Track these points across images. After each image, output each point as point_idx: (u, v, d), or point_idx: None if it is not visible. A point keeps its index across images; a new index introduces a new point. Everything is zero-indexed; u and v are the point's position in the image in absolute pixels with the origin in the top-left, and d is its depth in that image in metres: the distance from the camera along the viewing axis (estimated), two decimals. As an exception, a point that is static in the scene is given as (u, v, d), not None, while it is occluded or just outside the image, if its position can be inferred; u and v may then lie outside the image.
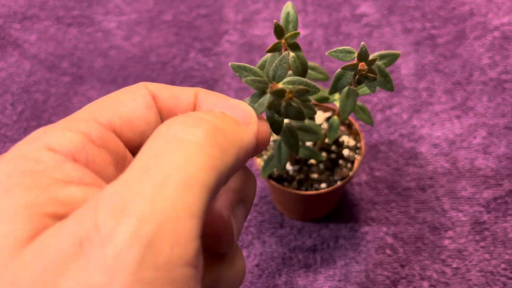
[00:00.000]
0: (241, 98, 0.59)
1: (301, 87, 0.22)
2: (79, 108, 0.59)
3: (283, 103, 0.23)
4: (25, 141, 0.18)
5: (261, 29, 0.66)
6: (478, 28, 0.63)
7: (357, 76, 0.27)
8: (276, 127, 0.27)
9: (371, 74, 0.27)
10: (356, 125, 0.45)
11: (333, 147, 0.46)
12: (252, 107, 0.24)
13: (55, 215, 0.16)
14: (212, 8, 0.69)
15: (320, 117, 0.47)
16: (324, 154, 0.46)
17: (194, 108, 0.22)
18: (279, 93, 0.23)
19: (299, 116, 0.25)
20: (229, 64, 0.26)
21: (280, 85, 0.25)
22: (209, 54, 0.64)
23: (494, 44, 0.62)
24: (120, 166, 0.20)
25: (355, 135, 0.46)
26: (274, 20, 0.28)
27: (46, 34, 0.67)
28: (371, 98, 0.58)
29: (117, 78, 0.62)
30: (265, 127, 0.22)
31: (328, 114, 0.47)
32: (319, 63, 0.62)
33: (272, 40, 0.65)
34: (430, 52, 0.62)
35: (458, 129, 0.56)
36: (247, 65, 0.25)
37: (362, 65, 0.28)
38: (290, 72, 0.34)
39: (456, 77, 0.60)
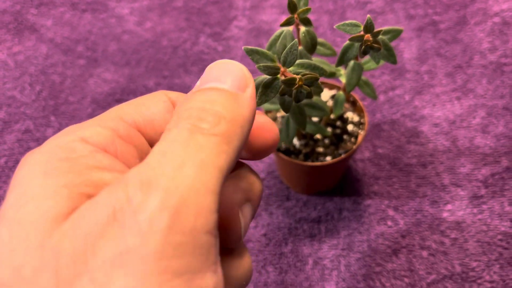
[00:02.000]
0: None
1: (310, 75, 0.25)
2: (95, 88, 0.62)
3: (294, 90, 0.25)
4: (61, 134, 0.20)
5: (268, 15, 0.69)
6: (478, 14, 0.66)
7: (363, 47, 0.30)
8: (286, 106, 0.29)
9: (376, 44, 0.29)
10: (360, 102, 0.48)
11: (338, 123, 0.48)
12: (265, 92, 0.26)
13: (90, 195, 0.18)
14: (222, -5, 0.71)
15: (326, 94, 0.49)
16: (329, 129, 0.48)
17: None
18: (290, 82, 0.25)
19: (296, 118, 0.28)
20: (243, 47, 0.28)
21: (290, 73, 0.27)
22: (218, 39, 0.67)
23: (494, 30, 0.64)
24: (143, 159, 0.21)
25: (359, 111, 0.48)
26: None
27: (62, 19, 0.70)
28: (375, 80, 0.61)
29: (130, 61, 0.65)
30: (274, 131, 0.23)
31: (333, 92, 0.49)
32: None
33: (279, 25, 0.67)
34: (432, 37, 0.64)
35: (458, 110, 0.58)
36: (259, 48, 0.28)
37: (368, 37, 0.30)
38: (300, 47, 0.37)
39: (456, 61, 0.62)
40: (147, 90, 0.61)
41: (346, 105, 0.49)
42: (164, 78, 0.63)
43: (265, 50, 0.31)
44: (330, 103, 0.49)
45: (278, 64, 0.30)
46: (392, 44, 0.64)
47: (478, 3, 0.67)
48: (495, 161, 0.54)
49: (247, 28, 0.68)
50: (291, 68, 0.28)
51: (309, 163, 0.44)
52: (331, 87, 0.49)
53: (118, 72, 0.64)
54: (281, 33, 0.34)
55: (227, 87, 0.20)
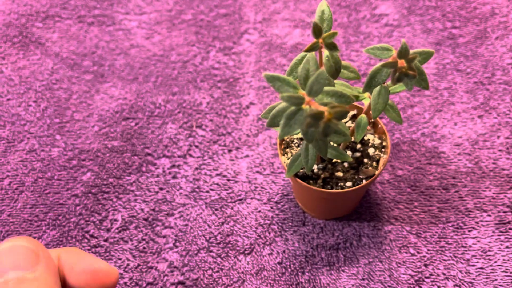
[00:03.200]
0: (261, 97, 0.59)
1: (340, 109, 0.22)
2: (101, 105, 0.60)
3: (322, 124, 0.23)
4: None
5: (280, 28, 0.67)
6: (500, 28, 0.63)
7: (397, 74, 0.27)
8: (309, 137, 0.27)
9: (411, 72, 0.27)
10: (382, 124, 0.45)
11: (359, 146, 0.46)
12: (287, 123, 0.24)
13: None
14: (232, 8, 0.69)
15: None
16: (349, 152, 0.46)
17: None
18: (318, 116, 0.23)
19: (317, 146, 0.25)
20: (263, 74, 0.26)
21: (316, 103, 0.24)
22: (229, 53, 0.64)
23: (516, 44, 0.61)
24: None
25: (380, 133, 0.46)
26: (313, 20, 0.28)
27: (68, 33, 0.68)
28: (393, 97, 0.58)
29: (138, 76, 0.63)
30: (113, 277, 0.26)
31: (353, 112, 0.47)
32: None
33: (291, 39, 0.65)
34: (451, 52, 0.62)
35: (481, 129, 0.55)
36: (281, 75, 0.26)
37: (402, 63, 0.28)
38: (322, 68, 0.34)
39: (478, 77, 0.59)
40: (156, 108, 0.59)
41: (367, 127, 0.47)
42: (173, 95, 0.60)
43: (287, 77, 0.29)
44: (349, 123, 0.47)
45: (302, 93, 0.28)
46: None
47: (499, 17, 0.64)
48: (522, 184, 0.51)
49: (258, 42, 0.65)
50: (317, 104, 0.26)
51: (328, 190, 0.42)
52: (350, 107, 0.47)
53: (125, 88, 0.61)
54: (303, 56, 0.32)
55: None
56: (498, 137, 0.55)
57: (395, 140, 0.55)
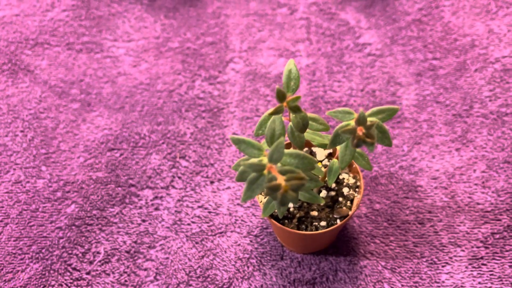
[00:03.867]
0: (245, 128, 0.60)
1: (296, 182, 0.24)
2: (87, 135, 0.61)
3: (279, 195, 0.24)
4: None
5: (265, 57, 0.68)
6: (479, 60, 0.64)
7: (355, 140, 0.29)
8: (275, 197, 0.28)
9: (369, 139, 0.28)
10: (356, 164, 0.46)
11: (333, 185, 0.47)
12: (250, 188, 0.25)
13: None
14: (218, 36, 0.70)
15: (321, 153, 0.48)
16: (323, 191, 0.47)
17: None
18: (275, 188, 0.24)
19: (310, 182, 0.26)
20: (229, 136, 0.27)
21: (275, 170, 0.26)
22: (214, 82, 0.65)
23: (495, 77, 0.63)
24: None
25: (355, 173, 0.47)
26: (276, 86, 0.30)
27: (57, 60, 0.69)
28: (373, 129, 0.60)
29: (124, 105, 0.64)
30: None
31: (329, 150, 0.48)
32: (322, 91, 0.64)
33: (276, 69, 0.66)
34: (431, 84, 0.63)
35: (458, 162, 0.56)
36: (246, 138, 0.27)
37: (361, 129, 0.29)
38: (290, 123, 0.35)
39: (456, 109, 0.61)
40: (140, 138, 0.60)
41: (342, 166, 0.48)
42: (158, 125, 0.62)
43: (251, 140, 0.30)
44: (326, 161, 0.48)
45: (265, 159, 0.29)
46: (390, 89, 0.63)
47: (478, 49, 0.65)
48: (496, 219, 0.52)
49: (243, 71, 0.66)
50: (276, 171, 0.27)
51: (303, 232, 0.43)
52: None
53: (111, 117, 0.63)
54: (265, 117, 0.33)
55: None
56: (474, 170, 0.56)
57: (374, 173, 0.56)
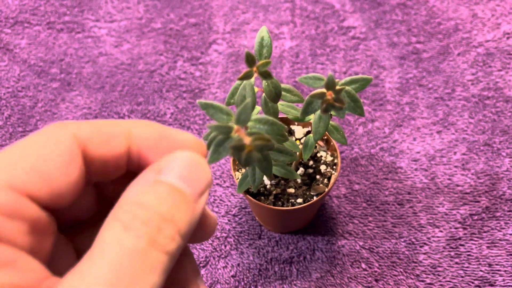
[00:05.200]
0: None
1: (261, 142, 0.23)
2: (66, 114, 0.60)
3: (243, 155, 0.24)
4: None
5: (249, 39, 0.67)
6: (462, 44, 0.64)
7: (323, 105, 0.28)
8: (243, 162, 0.28)
9: (337, 103, 0.28)
10: (334, 142, 0.46)
11: (311, 162, 0.47)
12: (216, 150, 0.25)
13: None
14: (201, 17, 0.69)
15: (300, 132, 0.47)
16: (301, 169, 0.46)
17: (127, 151, 0.21)
18: (239, 148, 0.24)
19: (260, 166, 0.26)
20: (197, 101, 0.27)
21: (243, 133, 0.25)
22: (196, 63, 0.65)
23: (478, 61, 0.62)
24: (35, 230, 0.18)
25: (332, 151, 0.47)
26: (246, 50, 0.29)
27: (37, 39, 0.68)
28: (354, 111, 0.59)
29: (104, 85, 0.63)
30: (214, 220, 0.23)
31: (308, 128, 0.48)
32: (305, 74, 0.63)
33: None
34: (414, 67, 0.63)
35: (439, 145, 0.56)
36: (214, 102, 0.26)
37: (330, 94, 0.28)
38: (263, 95, 0.35)
39: (439, 93, 0.60)
40: (119, 118, 0.60)
41: (320, 143, 0.48)
42: (137, 105, 0.61)
43: (220, 105, 0.29)
44: (304, 139, 0.47)
45: (232, 123, 0.29)
46: (374, 72, 0.63)
47: (462, 33, 0.65)
48: (475, 201, 0.52)
49: (226, 52, 0.66)
50: (248, 124, 0.26)
51: (278, 208, 0.43)
52: (304, 124, 0.48)
53: (91, 97, 0.62)
54: (241, 83, 0.32)
55: (190, 194, 0.19)
56: (455, 153, 0.56)
57: (354, 155, 0.56)
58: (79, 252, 0.22)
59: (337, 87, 0.28)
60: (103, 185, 0.23)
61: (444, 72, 0.62)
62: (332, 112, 0.37)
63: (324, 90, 0.29)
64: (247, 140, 0.26)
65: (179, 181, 0.19)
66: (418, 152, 0.56)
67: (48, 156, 0.18)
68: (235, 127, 0.28)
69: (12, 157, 0.18)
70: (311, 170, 0.46)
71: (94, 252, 0.17)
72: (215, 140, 0.28)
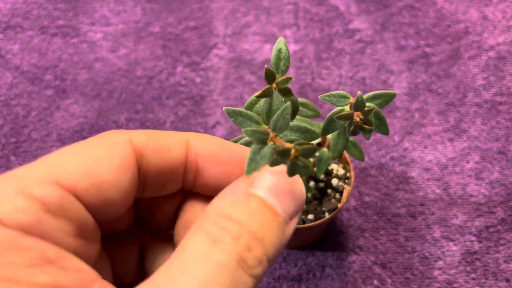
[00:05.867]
0: (227, 119, 0.57)
1: (308, 146, 0.21)
2: (61, 124, 0.57)
3: (289, 162, 0.21)
4: None
5: (251, 43, 0.65)
6: (473, 47, 0.62)
7: (352, 127, 0.26)
8: (289, 170, 0.25)
9: (366, 125, 0.25)
10: (346, 154, 0.44)
11: (322, 176, 0.44)
12: (253, 159, 0.22)
13: None
14: (201, 21, 0.67)
15: (309, 143, 0.45)
16: (312, 183, 0.44)
17: (185, 161, 0.20)
18: (284, 153, 0.21)
19: (306, 172, 0.24)
20: (223, 108, 0.24)
21: (280, 140, 0.23)
22: (196, 69, 0.62)
23: (489, 65, 0.60)
24: (81, 232, 0.17)
25: (344, 163, 0.45)
26: (266, 66, 0.27)
27: (30, 44, 0.65)
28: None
29: (101, 92, 0.60)
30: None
31: (318, 140, 0.45)
32: (310, 79, 0.61)
33: (262, 55, 0.63)
34: (423, 71, 0.61)
35: (451, 153, 0.54)
36: (243, 110, 0.24)
37: (358, 115, 0.26)
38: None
39: (449, 98, 0.58)
40: (117, 127, 0.57)
41: (331, 156, 0.45)
42: (136, 113, 0.58)
43: (249, 112, 0.27)
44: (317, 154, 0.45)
45: (266, 128, 0.26)
46: (381, 77, 0.60)
47: (472, 35, 0.63)
48: (490, 212, 0.50)
49: (227, 57, 0.63)
50: (280, 140, 0.24)
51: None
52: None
53: (87, 105, 0.59)
54: (255, 101, 0.30)
55: (283, 214, 0.18)
56: (468, 161, 0.54)
57: (363, 165, 0.54)
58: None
59: (366, 108, 0.26)
60: (144, 200, 0.21)
61: (455, 77, 0.60)
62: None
63: (347, 108, 0.27)
64: (289, 146, 0.24)
65: (272, 198, 0.18)
66: (430, 161, 0.54)
67: (100, 158, 0.17)
68: (271, 134, 0.25)
69: (62, 155, 0.17)
70: (322, 184, 0.44)
71: (177, 263, 0.15)
72: (251, 149, 0.26)
